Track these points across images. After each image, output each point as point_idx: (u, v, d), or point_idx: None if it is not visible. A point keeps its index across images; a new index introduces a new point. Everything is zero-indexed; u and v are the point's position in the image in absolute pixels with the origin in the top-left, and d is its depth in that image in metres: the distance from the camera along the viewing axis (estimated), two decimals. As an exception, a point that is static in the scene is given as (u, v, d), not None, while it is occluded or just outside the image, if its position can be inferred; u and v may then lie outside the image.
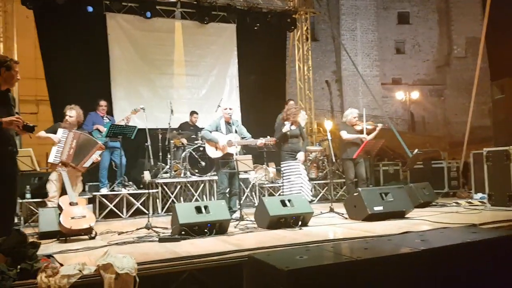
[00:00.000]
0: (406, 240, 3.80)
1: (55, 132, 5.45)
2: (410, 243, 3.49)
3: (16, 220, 6.08)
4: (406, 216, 5.39)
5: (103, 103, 7.16)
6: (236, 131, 5.98)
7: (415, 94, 28.96)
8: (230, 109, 6.04)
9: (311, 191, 6.40)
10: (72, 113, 5.62)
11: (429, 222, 4.91)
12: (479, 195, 6.87)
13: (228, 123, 6.01)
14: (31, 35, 8.95)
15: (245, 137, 6.00)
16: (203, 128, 7.92)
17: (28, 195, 6.23)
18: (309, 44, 10.54)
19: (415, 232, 4.20)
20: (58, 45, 7.98)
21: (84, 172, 5.77)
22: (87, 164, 5.55)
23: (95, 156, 5.58)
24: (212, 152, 5.93)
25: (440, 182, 8.18)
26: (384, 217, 5.18)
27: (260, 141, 5.81)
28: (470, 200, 6.77)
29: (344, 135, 6.78)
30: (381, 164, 8.81)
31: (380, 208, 5.20)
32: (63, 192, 5.38)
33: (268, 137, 5.95)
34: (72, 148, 5.39)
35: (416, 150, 7.57)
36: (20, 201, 6.42)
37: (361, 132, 6.79)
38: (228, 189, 5.91)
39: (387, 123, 8.15)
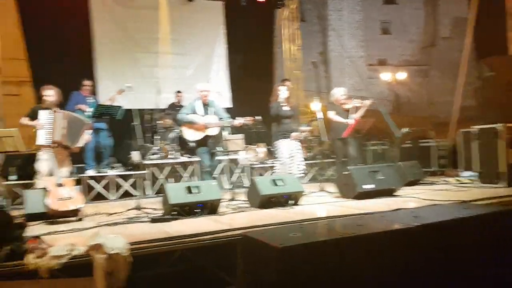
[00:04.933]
0: (398, 216, 3.80)
1: (36, 115, 5.25)
2: (403, 220, 3.49)
3: (2, 202, 5.97)
4: (395, 194, 5.43)
5: (87, 82, 6.97)
6: (214, 113, 5.92)
7: (401, 75, 29.03)
8: (207, 91, 5.93)
9: (304, 170, 6.35)
10: (50, 92, 5.42)
11: (419, 199, 4.92)
12: (468, 173, 6.93)
13: (205, 104, 5.91)
14: (11, 15, 8.61)
15: (222, 118, 5.94)
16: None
17: (13, 177, 6.09)
18: (298, 23, 10.40)
19: (407, 209, 4.22)
20: (40, 24, 7.71)
21: (76, 152, 5.64)
22: (81, 143, 5.41)
23: (86, 136, 5.46)
24: (191, 135, 5.86)
25: (428, 161, 8.22)
26: (374, 195, 5.21)
27: (238, 122, 5.74)
28: (458, 178, 6.84)
29: (332, 115, 6.72)
30: (369, 143, 8.83)
31: (370, 186, 5.22)
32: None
33: (247, 117, 5.91)
34: (64, 128, 5.21)
35: (405, 129, 7.58)
36: (5, 183, 6.29)
37: (349, 110, 6.75)
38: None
39: (375, 104, 8.11)
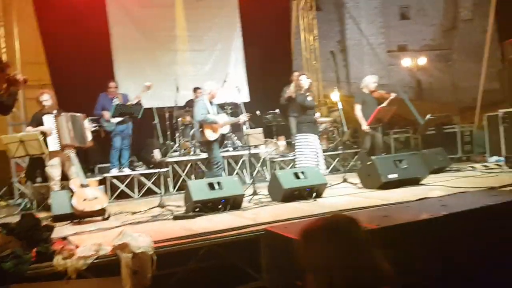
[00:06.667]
0: (425, 206, 3.73)
1: (40, 122, 5.33)
2: (430, 209, 3.42)
3: (28, 205, 6.12)
4: (421, 182, 5.32)
5: (112, 84, 7.03)
6: (216, 110, 6.01)
7: (422, 60, 28.36)
8: (217, 89, 6.05)
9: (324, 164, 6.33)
10: (46, 97, 5.51)
11: (446, 187, 4.82)
12: (494, 158, 6.76)
13: (210, 103, 5.95)
14: (31, 19, 8.76)
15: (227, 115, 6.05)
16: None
17: (39, 179, 6.23)
18: (314, 12, 10.27)
19: (433, 198, 4.12)
20: (58, 28, 7.79)
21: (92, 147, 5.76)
22: (90, 137, 5.52)
23: (88, 127, 5.56)
24: (212, 135, 5.90)
25: (453, 147, 8.04)
26: (399, 185, 5.12)
27: (243, 119, 5.81)
28: (485, 164, 6.66)
29: (357, 111, 6.62)
30: (391, 132, 8.68)
31: (395, 175, 5.13)
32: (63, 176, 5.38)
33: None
34: (71, 130, 5.31)
35: (428, 116, 7.42)
36: (32, 185, 6.44)
37: (378, 98, 6.69)
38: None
39: (397, 91, 7.96)
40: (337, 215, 1.45)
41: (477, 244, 3.11)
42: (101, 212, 4.47)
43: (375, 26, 28.90)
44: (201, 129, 5.94)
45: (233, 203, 4.49)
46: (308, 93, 6.05)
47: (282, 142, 7.80)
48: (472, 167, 6.61)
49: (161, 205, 4.97)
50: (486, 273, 3.02)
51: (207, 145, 6.07)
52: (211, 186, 4.51)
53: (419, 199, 4.09)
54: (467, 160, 7.88)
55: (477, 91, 9.88)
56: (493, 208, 3.29)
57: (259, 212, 4.26)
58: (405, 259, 2.84)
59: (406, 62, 28.29)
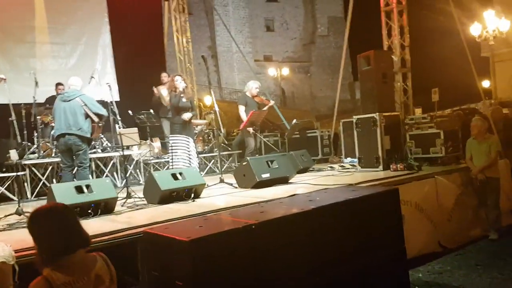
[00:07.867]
0: (296, 201, 4.01)
1: None
2: (301, 204, 3.69)
3: None
4: (290, 181, 5.70)
5: None
6: None
7: (285, 71, 30.53)
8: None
9: (198, 165, 6.35)
10: None
11: (311, 184, 5.25)
12: (349, 159, 7.59)
13: None
14: None
15: None
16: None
17: None
18: (186, 15, 10.26)
19: (302, 194, 4.46)
20: None
21: None
22: None
23: None
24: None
25: (315, 150, 8.79)
26: (271, 183, 5.41)
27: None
28: (342, 164, 7.43)
29: (241, 112, 6.80)
30: (262, 135, 9.12)
31: (267, 175, 5.41)
32: None
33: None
34: None
35: (294, 121, 8.00)
36: None
37: (258, 103, 6.96)
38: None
39: (266, 98, 8.48)
40: (54, 203, 2.16)
41: (341, 231, 3.48)
42: None
43: (243, 35, 30.18)
44: (100, 124, 5.50)
45: (104, 207, 4.20)
46: (182, 95, 5.99)
47: (156, 144, 7.59)
48: (331, 167, 7.32)
49: (19, 212, 4.41)
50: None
51: (89, 143, 5.64)
52: (78, 189, 4.16)
53: (290, 196, 4.38)
54: (326, 161, 8.68)
55: (331, 100, 10.95)
56: (352, 201, 3.71)
57: (134, 216, 4.08)
58: (282, 251, 3.04)
59: (272, 71, 30.12)
